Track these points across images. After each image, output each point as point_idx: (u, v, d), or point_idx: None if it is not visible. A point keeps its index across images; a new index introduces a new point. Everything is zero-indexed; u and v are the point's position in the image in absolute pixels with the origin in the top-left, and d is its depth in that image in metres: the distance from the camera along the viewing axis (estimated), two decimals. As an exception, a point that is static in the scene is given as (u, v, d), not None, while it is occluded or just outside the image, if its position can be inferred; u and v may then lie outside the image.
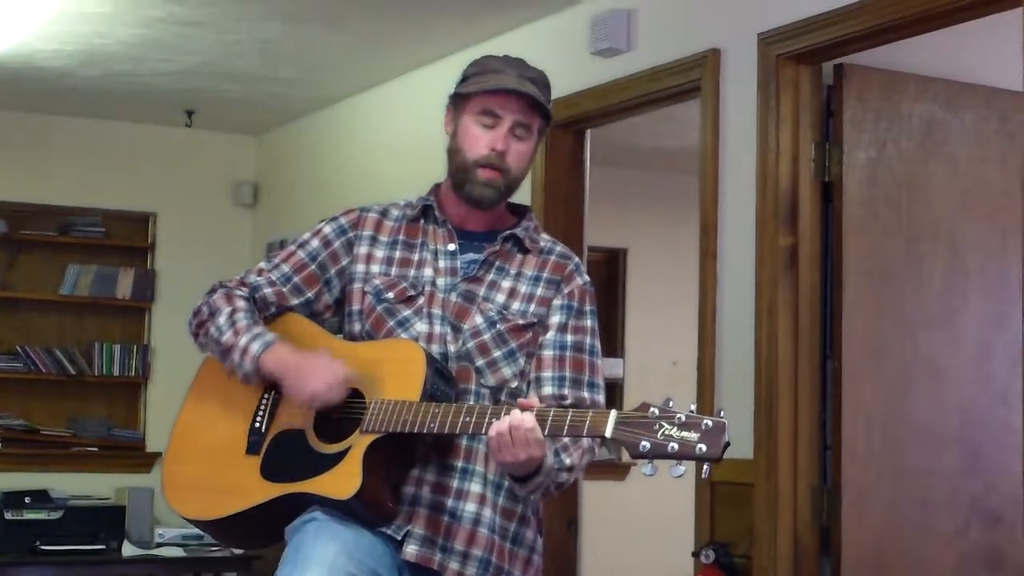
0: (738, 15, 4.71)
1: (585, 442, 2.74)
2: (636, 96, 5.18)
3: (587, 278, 2.92)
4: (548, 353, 2.83)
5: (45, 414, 7.96)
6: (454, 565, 2.72)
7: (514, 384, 2.81)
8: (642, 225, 8.77)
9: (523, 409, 2.56)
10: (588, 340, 2.87)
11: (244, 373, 2.80)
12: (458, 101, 2.87)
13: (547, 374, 2.82)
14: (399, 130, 6.88)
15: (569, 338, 2.85)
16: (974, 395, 4.63)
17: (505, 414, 2.56)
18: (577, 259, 2.94)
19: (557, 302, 2.86)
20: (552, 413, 2.55)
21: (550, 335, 2.84)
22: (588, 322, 2.88)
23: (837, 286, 4.46)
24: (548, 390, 2.81)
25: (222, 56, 6.55)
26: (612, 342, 8.63)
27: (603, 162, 6.22)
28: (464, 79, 2.88)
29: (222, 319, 2.83)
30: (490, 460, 2.76)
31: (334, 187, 7.41)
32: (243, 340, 2.80)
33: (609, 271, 8.86)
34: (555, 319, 2.85)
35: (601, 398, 2.86)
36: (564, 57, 5.42)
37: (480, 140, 2.82)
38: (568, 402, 2.79)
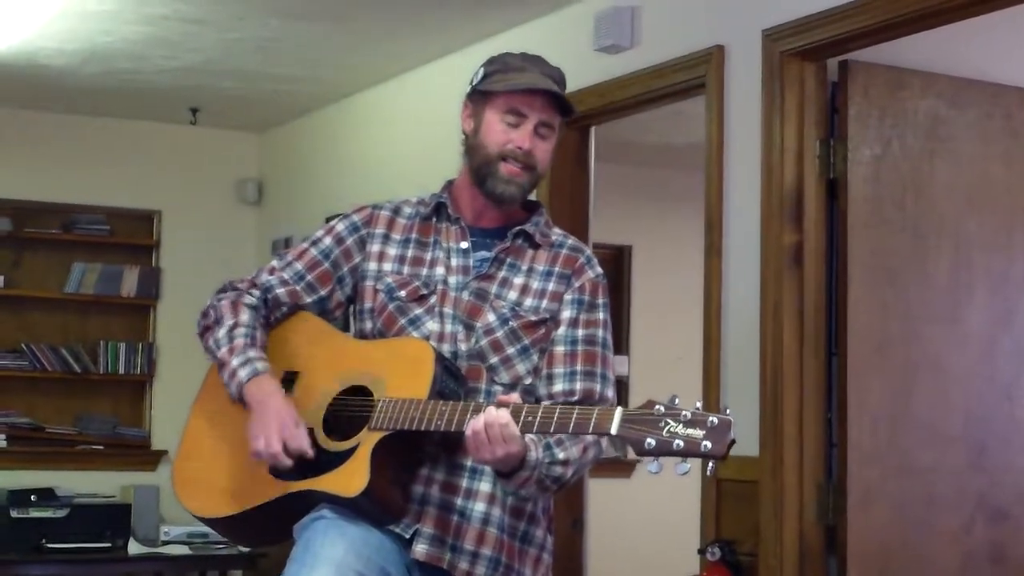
0: (742, 11, 4.70)
1: (588, 436, 2.73)
2: (640, 93, 5.18)
3: (599, 271, 2.92)
4: (560, 349, 2.83)
5: (51, 412, 7.96)
6: (463, 565, 2.73)
7: (528, 381, 2.81)
8: (647, 222, 8.76)
9: (499, 405, 2.55)
10: (600, 333, 2.87)
11: (230, 394, 2.82)
12: (479, 98, 2.87)
13: (559, 370, 2.82)
14: (403, 127, 6.88)
15: (580, 332, 2.84)
16: (980, 391, 4.62)
17: (481, 412, 2.55)
18: (589, 252, 2.94)
19: (568, 296, 2.86)
20: (542, 409, 2.54)
21: (561, 330, 2.84)
22: (600, 315, 2.88)
23: (842, 283, 4.45)
24: (559, 386, 2.80)
25: (226, 54, 6.55)
26: (617, 339, 8.49)
27: (607, 159, 6.21)
28: (485, 76, 2.87)
29: (222, 332, 2.84)
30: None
31: (338, 184, 7.41)
32: (234, 362, 2.80)
33: (614, 268, 8.84)
34: (566, 313, 2.85)
35: (610, 392, 2.85)
36: (568, 54, 5.40)
37: (504, 138, 2.82)
38: (576, 398, 2.78)
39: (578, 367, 2.82)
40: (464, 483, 2.75)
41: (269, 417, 2.72)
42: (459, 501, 2.74)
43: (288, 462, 2.71)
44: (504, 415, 2.53)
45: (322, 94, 7.38)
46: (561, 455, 2.70)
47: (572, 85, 5.26)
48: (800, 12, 4.42)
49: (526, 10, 5.72)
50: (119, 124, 8.05)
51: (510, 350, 2.80)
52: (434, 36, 6.19)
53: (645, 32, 5.20)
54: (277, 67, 6.80)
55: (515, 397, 2.60)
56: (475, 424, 2.54)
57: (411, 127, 6.74)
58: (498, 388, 2.78)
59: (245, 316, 2.86)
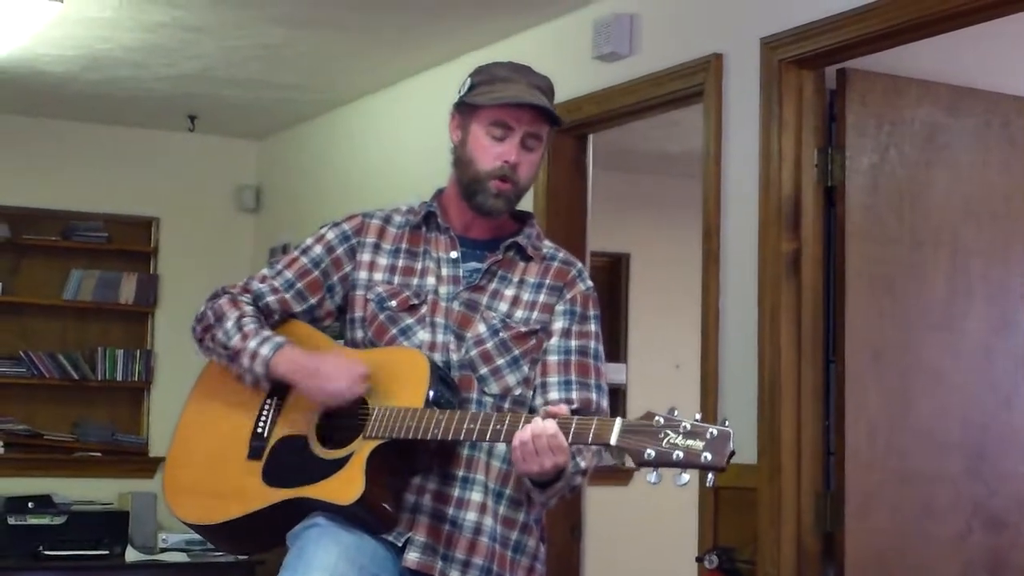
0: (741, 20, 4.70)
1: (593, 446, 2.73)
2: (639, 101, 5.17)
3: (590, 283, 2.92)
4: (553, 358, 2.83)
5: (49, 419, 7.96)
6: (454, 574, 2.73)
7: (518, 392, 2.81)
8: (645, 230, 8.76)
9: (545, 417, 2.55)
10: (592, 345, 2.87)
11: (254, 376, 2.81)
12: (466, 110, 2.86)
13: (553, 379, 2.82)
14: (401, 135, 6.88)
15: (573, 343, 2.85)
16: (977, 399, 4.62)
17: (526, 423, 2.55)
18: (580, 265, 2.94)
19: (560, 308, 2.86)
20: (576, 420, 2.54)
21: (554, 341, 2.84)
22: (592, 327, 2.88)
23: (840, 291, 4.45)
24: (555, 395, 2.80)
25: (224, 61, 6.56)
26: (615, 347, 8.62)
27: (605, 167, 6.21)
28: (472, 87, 2.86)
29: (229, 324, 2.84)
30: (491, 469, 2.77)
31: (336, 192, 7.41)
32: (252, 344, 2.80)
33: (612, 276, 8.85)
34: (558, 324, 2.85)
35: (606, 403, 2.86)
36: (567, 61, 5.42)
37: (491, 152, 2.81)
38: (574, 407, 2.78)
39: (573, 376, 2.82)
40: (456, 492, 2.75)
41: (323, 369, 2.75)
42: (451, 510, 2.74)
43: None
44: (551, 426, 2.52)
45: (321, 102, 7.38)
46: (583, 464, 2.73)
47: (570, 92, 5.32)
48: (798, 20, 4.42)
49: (525, 18, 5.73)
50: (118, 131, 8.05)
51: (500, 361, 2.80)
52: (433, 44, 6.19)
53: (644, 40, 5.20)
54: (276, 75, 6.80)
55: (563, 409, 2.59)
56: (522, 435, 2.54)
57: (410, 135, 6.75)
58: (488, 399, 2.78)
59: (249, 308, 2.88)
